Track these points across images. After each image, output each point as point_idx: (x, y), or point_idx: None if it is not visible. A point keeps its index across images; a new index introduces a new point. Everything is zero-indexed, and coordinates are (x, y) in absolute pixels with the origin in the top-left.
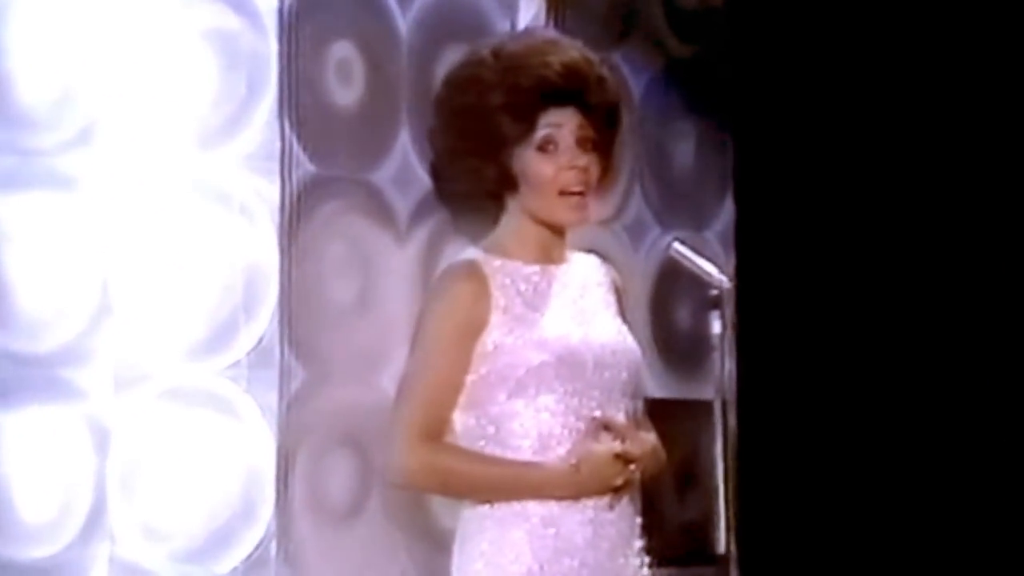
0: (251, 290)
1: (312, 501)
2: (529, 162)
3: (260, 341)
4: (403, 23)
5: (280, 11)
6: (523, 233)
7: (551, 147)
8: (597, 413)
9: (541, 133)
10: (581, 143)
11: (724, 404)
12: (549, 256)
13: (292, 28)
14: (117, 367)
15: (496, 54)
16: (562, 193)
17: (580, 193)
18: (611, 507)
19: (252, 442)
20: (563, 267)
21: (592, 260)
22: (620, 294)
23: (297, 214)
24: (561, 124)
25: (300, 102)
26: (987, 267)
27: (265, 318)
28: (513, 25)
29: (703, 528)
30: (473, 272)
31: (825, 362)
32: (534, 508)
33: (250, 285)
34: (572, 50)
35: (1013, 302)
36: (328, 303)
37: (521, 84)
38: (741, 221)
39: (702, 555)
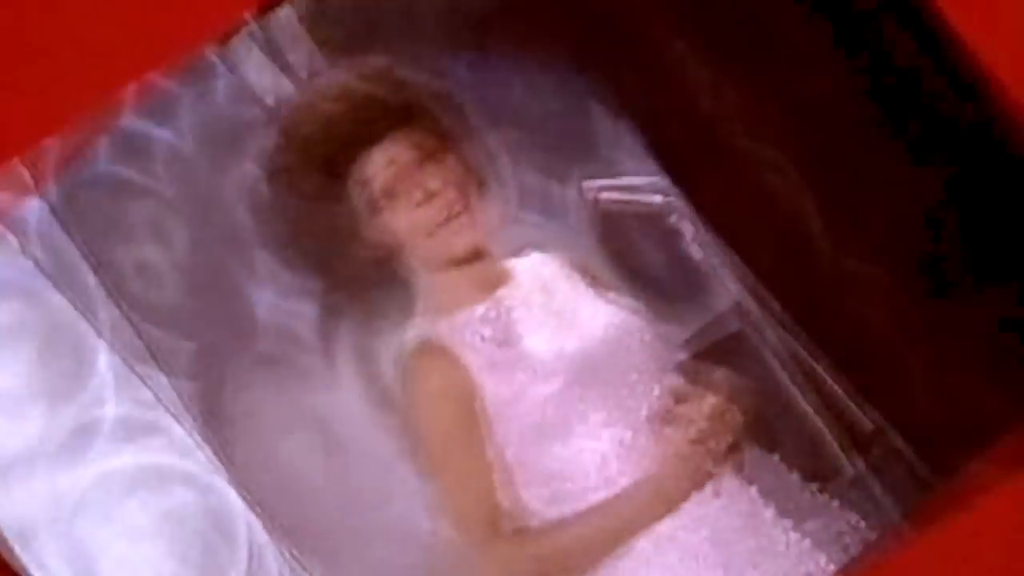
0: None
1: None
2: (374, 226)
3: None
4: None
5: None
6: (445, 281)
7: (383, 200)
8: (643, 412)
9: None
10: (419, 162)
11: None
12: (489, 284)
13: None
14: None
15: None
16: (432, 234)
17: (455, 216)
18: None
19: None
20: (511, 285)
21: (537, 259)
22: (586, 270)
23: None
24: (373, 174)
25: None
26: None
27: None
28: None
29: None
30: (430, 350)
31: None
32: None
33: None
34: (327, 103)
35: None
36: None
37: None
38: None
39: None
